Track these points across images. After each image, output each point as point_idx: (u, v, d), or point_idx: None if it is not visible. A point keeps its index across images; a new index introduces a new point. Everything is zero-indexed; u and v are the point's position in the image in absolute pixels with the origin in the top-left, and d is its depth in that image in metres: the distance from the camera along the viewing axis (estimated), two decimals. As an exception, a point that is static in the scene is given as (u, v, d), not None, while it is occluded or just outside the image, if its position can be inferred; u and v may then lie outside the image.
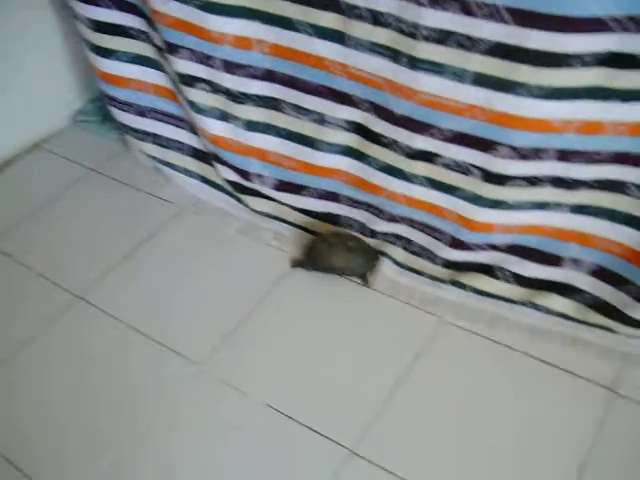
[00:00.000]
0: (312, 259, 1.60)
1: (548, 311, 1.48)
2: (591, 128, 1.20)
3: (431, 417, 1.35)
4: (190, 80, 1.58)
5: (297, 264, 1.63)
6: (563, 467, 1.26)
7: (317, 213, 1.68)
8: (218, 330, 1.51)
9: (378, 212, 1.58)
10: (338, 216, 1.67)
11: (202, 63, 1.53)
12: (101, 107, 2.03)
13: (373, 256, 1.58)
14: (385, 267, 1.60)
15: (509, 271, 1.50)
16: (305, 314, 1.55)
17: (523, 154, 1.26)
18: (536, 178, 1.30)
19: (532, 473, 1.26)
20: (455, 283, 1.55)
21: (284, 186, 1.65)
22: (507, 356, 1.45)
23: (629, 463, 1.27)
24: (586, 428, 1.32)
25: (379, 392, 1.38)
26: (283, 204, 1.70)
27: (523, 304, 1.50)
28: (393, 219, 1.57)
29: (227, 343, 1.49)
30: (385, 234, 1.62)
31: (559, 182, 1.30)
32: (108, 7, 1.64)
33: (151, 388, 1.41)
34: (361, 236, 1.63)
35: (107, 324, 1.53)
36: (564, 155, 1.25)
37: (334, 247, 1.55)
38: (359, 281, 1.59)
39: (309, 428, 1.33)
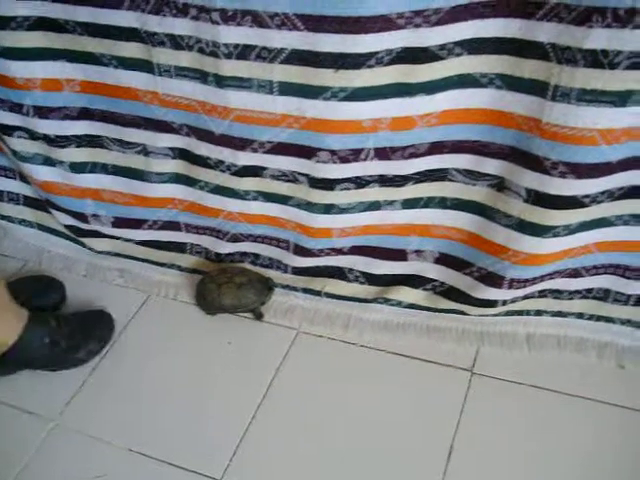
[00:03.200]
0: (203, 302, 1.56)
1: (400, 304, 1.50)
2: (402, 124, 1.21)
3: (295, 430, 1.34)
4: (7, 130, 1.52)
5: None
6: (433, 456, 1.27)
7: (161, 244, 1.65)
8: (71, 382, 1.45)
9: (220, 234, 1.57)
10: (184, 244, 1.64)
11: (13, 112, 1.47)
12: None
13: (264, 288, 1.53)
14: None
15: (359, 271, 1.52)
16: (159, 350, 1.51)
17: (342, 157, 1.27)
18: (361, 179, 1.31)
19: (404, 468, 1.26)
20: (307, 290, 1.56)
21: (122, 223, 1.61)
22: (365, 356, 1.46)
23: (492, 439, 1.29)
24: (452, 413, 1.33)
25: (242, 417, 1.36)
26: (126, 240, 1.66)
27: (375, 301, 1.51)
28: (236, 238, 1.55)
29: (82, 392, 1.43)
30: (231, 254, 1.60)
31: (385, 180, 1.32)
32: None
33: (8, 452, 1.33)
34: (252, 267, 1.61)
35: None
36: (383, 153, 1.26)
37: (222, 286, 1.50)
38: (251, 316, 1.56)
39: (174, 465, 1.29)
